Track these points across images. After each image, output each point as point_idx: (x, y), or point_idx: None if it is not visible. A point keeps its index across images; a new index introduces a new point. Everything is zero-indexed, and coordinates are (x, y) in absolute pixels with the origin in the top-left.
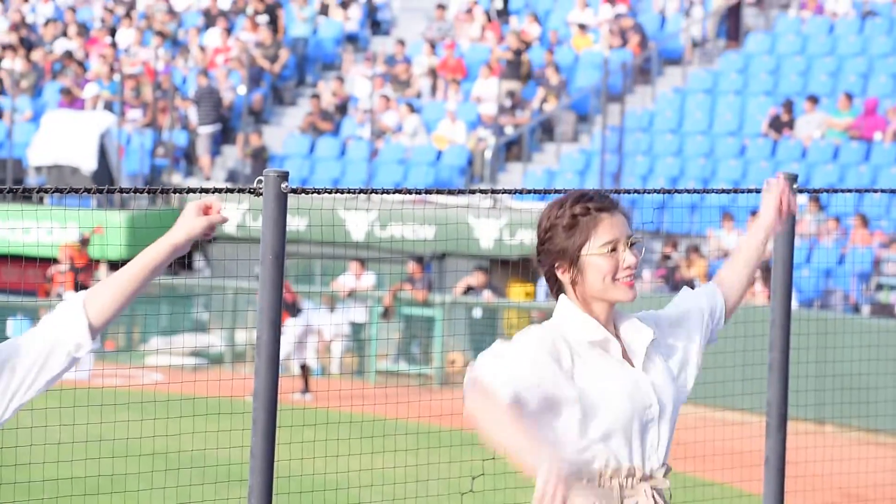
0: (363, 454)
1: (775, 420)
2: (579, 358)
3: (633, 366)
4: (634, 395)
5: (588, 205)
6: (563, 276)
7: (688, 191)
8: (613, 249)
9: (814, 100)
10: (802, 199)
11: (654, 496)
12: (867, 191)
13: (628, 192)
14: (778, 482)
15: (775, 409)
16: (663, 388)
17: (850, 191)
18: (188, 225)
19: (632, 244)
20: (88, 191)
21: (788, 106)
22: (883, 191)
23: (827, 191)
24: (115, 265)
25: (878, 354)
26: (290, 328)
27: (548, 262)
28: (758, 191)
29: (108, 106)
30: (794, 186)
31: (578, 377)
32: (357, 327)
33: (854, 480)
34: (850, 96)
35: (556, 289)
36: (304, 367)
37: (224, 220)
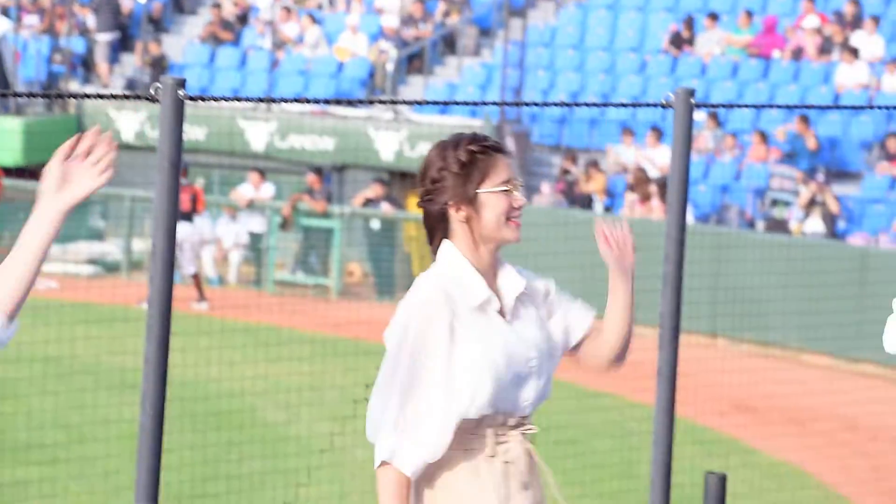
0: (258, 362)
1: (668, 332)
2: (459, 321)
3: (506, 318)
4: (513, 351)
5: (484, 144)
6: (458, 215)
7: (588, 104)
8: (508, 189)
9: (714, 17)
10: (701, 115)
11: (523, 442)
12: (764, 106)
13: (528, 104)
14: (669, 392)
15: (668, 321)
16: (538, 340)
17: (747, 106)
18: (82, 186)
19: (519, 186)
20: None
21: (689, 23)
22: (780, 106)
23: (725, 106)
24: (8, 171)
25: (771, 269)
26: (179, 234)
27: (440, 201)
28: (657, 105)
29: (5, 11)
30: (692, 101)
31: (459, 337)
32: (256, 237)
33: (745, 391)
34: (749, 14)
35: (441, 233)
36: (196, 276)
37: (111, 150)
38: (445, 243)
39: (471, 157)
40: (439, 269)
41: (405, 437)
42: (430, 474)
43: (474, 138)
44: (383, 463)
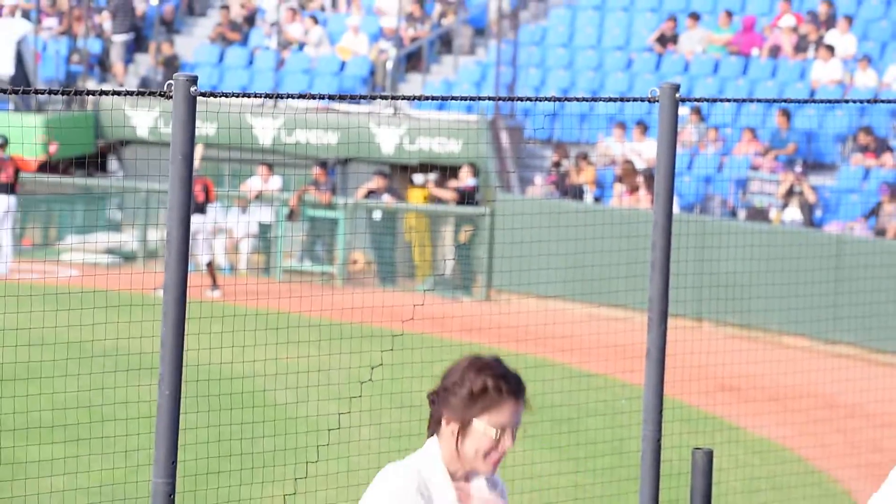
0: (269, 345)
1: (656, 315)
2: None
3: None
4: None
5: (501, 384)
6: (447, 428)
7: (577, 99)
8: (500, 434)
9: (695, 17)
10: (685, 110)
11: None
12: (745, 101)
13: (521, 99)
14: (658, 373)
15: (656, 304)
16: None
17: (728, 100)
18: None
19: (514, 432)
20: (4, 91)
21: (672, 21)
22: (759, 100)
23: (707, 100)
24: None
25: (752, 255)
26: (194, 225)
27: (441, 406)
28: (644, 99)
29: (26, 14)
30: (677, 96)
31: None
32: (264, 228)
33: (728, 371)
34: (729, 14)
35: (432, 429)
36: (210, 265)
37: None
38: (432, 440)
39: (483, 389)
40: (415, 462)
41: None
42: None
43: (499, 373)
44: None
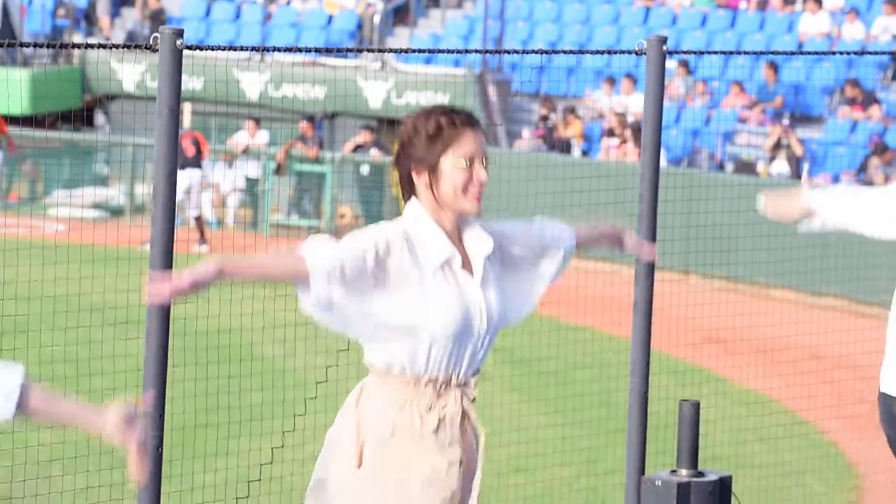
0: (256, 299)
1: (643, 268)
2: (417, 267)
3: (471, 275)
4: (467, 311)
5: (453, 117)
6: (419, 179)
7: (565, 52)
8: (470, 164)
9: None
10: (672, 63)
11: (462, 400)
12: (732, 53)
13: (508, 52)
14: (645, 325)
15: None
16: (495, 303)
17: (716, 53)
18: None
19: (486, 163)
20: None
21: None
22: (747, 53)
23: (694, 53)
24: (15, 120)
25: (739, 207)
26: (188, 179)
27: (406, 165)
28: (631, 52)
29: None
30: (664, 48)
31: (411, 281)
32: (252, 182)
33: (715, 323)
34: None
35: (408, 193)
36: (198, 219)
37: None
38: (413, 200)
39: (438, 127)
40: (405, 222)
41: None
42: (364, 403)
43: (447, 111)
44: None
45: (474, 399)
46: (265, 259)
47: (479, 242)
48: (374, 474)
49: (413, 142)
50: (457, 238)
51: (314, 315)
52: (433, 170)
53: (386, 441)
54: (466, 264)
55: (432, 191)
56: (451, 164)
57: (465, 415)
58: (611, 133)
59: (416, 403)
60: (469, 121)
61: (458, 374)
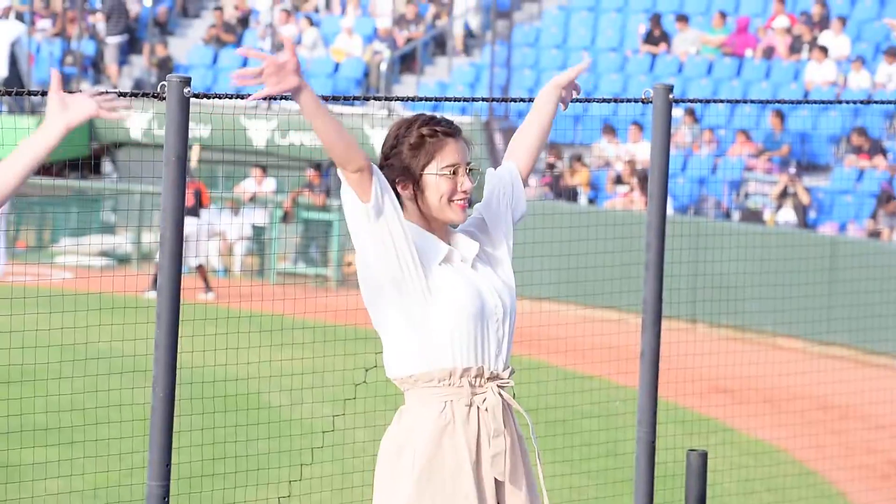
0: (263, 347)
1: (650, 316)
2: (429, 261)
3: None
4: (479, 292)
5: (436, 128)
6: (404, 192)
7: (572, 100)
8: (454, 173)
9: (683, 19)
10: (679, 112)
11: (500, 393)
12: (738, 101)
13: (515, 100)
14: (652, 375)
15: (651, 305)
16: (502, 289)
17: (722, 101)
18: (82, 110)
19: (470, 171)
20: None
21: (656, 20)
22: (753, 101)
23: (701, 101)
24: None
25: (746, 256)
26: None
27: (390, 177)
28: (638, 100)
29: (19, 16)
30: (671, 97)
31: (429, 267)
32: (258, 230)
33: (722, 373)
34: (723, 15)
35: None
36: (200, 267)
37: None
38: None
39: (420, 139)
40: None
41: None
42: (406, 417)
43: (428, 120)
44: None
45: (514, 393)
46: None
47: (467, 247)
48: (428, 479)
49: (396, 154)
50: (446, 242)
51: (362, 220)
52: (417, 182)
53: (433, 444)
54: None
55: (417, 202)
56: (436, 174)
57: (506, 406)
58: (618, 181)
59: (453, 401)
60: (450, 130)
61: (489, 363)
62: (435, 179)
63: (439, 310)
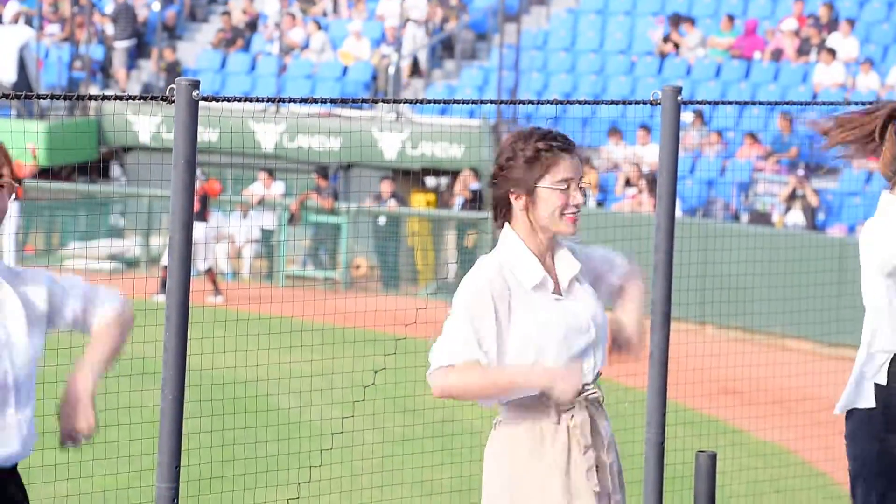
0: (271, 349)
1: (659, 318)
2: (517, 298)
3: (561, 294)
4: (570, 325)
5: (552, 143)
6: (517, 202)
7: (580, 102)
8: (567, 187)
9: (691, 21)
10: (688, 115)
11: (587, 406)
12: (747, 103)
13: (523, 102)
14: (661, 376)
15: (659, 307)
16: (595, 312)
17: (731, 103)
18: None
19: (581, 186)
20: (6, 97)
21: (675, 21)
22: (762, 103)
23: (709, 103)
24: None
25: (755, 258)
26: (200, 232)
27: (504, 187)
28: (646, 102)
29: (28, 20)
30: (679, 98)
31: (516, 314)
32: (267, 233)
33: (731, 374)
34: (731, 17)
35: (503, 214)
36: (209, 271)
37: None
38: (507, 227)
39: (536, 153)
40: (499, 253)
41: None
42: (497, 441)
43: (545, 135)
44: (439, 368)
45: (602, 401)
46: (482, 383)
47: (568, 265)
48: (524, 496)
49: (511, 165)
50: (549, 260)
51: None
52: (531, 193)
53: (525, 466)
54: (556, 285)
55: (528, 214)
56: (549, 188)
57: (594, 420)
58: (627, 183)
59: (543, 422)
60: (566, 145)
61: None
62: (548, 193)
63: (522, 341)
